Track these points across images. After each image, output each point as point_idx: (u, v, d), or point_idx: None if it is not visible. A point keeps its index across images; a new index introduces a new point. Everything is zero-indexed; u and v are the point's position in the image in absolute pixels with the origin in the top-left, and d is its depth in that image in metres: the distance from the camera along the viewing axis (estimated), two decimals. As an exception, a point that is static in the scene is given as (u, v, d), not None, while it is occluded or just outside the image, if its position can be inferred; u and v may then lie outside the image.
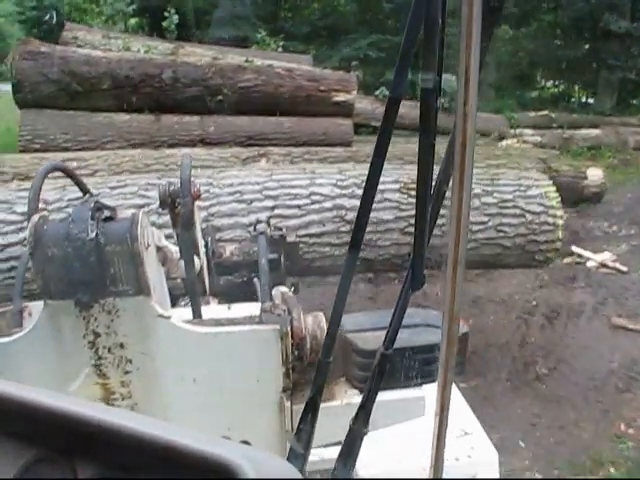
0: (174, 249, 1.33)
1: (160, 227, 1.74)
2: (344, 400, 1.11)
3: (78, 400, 0.48)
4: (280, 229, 2.22)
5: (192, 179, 1.50)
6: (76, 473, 0.46)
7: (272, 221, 2.52)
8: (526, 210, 3.67)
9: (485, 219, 3.64)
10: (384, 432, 1.11)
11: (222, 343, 1.03)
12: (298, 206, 3.46)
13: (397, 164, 4.25)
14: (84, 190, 1.63)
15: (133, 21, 18.32)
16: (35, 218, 0.98)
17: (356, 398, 1.07)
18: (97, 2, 18.03)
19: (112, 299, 0.98)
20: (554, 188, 3.81)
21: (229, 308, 1.65)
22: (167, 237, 1.39)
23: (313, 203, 3.52)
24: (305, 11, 18.06)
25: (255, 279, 1.94)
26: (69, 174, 1.62)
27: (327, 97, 6.56)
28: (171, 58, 6.21)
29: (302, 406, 0.97)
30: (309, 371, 1.02)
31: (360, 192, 2.81)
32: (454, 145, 0.60)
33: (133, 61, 5.89)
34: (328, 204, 3.53)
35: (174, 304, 1.64)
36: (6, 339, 1.02)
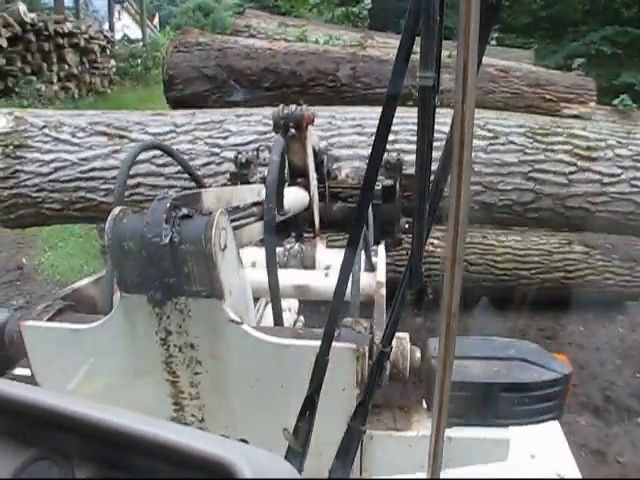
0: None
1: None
2: (420, 431, 1.03)
3: (76, 399, 0.49)
4: (398, 154, 2.09)
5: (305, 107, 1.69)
6: (74, 473, 0.46)
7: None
8: None
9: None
10: (458, 472, 1.05)
11: (293, 356, 0.98)
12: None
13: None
14: (190, 172, 1.67)
15: (339, 11, 17.70)
16: (116, 210, 0.97)
17: None
18: (303, -9, 17.66)
19: (185, 298, 0.97)
20: None
21: (327, 273, 1.61)
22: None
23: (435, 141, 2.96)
24: (526, -1, 15.90)
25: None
26: (167, 152, 1.60)
27: (555, 109, 4.80)
28: (352, 51, 4.89)
29: (375, 432, 1.00)
30: (387, 396, 0.97)
31: (483, 133, 3.12)
32: (452, 143, 0.58)
33: (304, 54, 4.67)
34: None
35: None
36: (84, 326, 1.05)
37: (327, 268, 1.86)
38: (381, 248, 1.75)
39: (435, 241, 3.78)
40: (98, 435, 0.44)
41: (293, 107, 1.77)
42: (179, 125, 3.38)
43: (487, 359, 1.01)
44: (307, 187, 1.90)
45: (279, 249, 1.89)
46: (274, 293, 1.20)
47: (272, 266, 1.19)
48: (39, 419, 0.46)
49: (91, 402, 0.49)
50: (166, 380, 1.04)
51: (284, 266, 1.84)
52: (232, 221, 1.24)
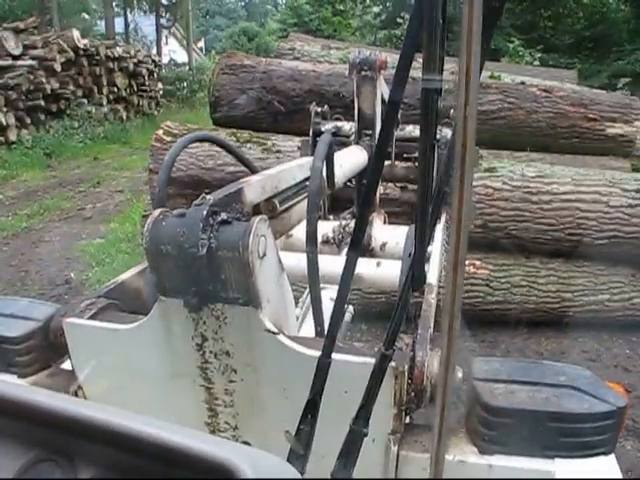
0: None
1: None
2: (457, 456, 0.95)
3: (78, 400, 0.52)
4: None
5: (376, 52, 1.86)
6: (76, 473, 0.46)
7: None
8: None
9: None
10: None
11: (330, 370, 0.91)
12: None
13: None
14: (241, 159, 1.62)
15: (382, 34, 17.90)
16: (156, 213, 0.96)
17: (472, 457, 0.95)
18: (346, 15, 17.93)
19: (221, 305, 0.96)
20: None
21: (379, 262, 1.56)
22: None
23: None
24: (569, 19, 15.75)
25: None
26: (214, 141, 1.58)
27: (598, 129, 4.76)
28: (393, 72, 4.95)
29: (411, 453, 0.97)
30: (427, 417, 0.88)
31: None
32: (454, 146, 0.57)
33: (347, 75, 4.75)
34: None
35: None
36: (123, 326, 1.05)
37: (383, 246, 1.82)
38: (437, 241, 1.62)
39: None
40: (100, 436, 0.44)
41: (368, 52, 1.88)
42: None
43: (535, 384, 0.95)
44: (371, 146, 1.91)
45: (335, 224, 1.86)
46: (316, 304, 1.18)
47: (314, 278, 1.16)
48: (41, 420, 0.46)
49: (92, 403, 0.49)
50: (201, 386, 1.03)
51: (339, 244, 1.82)
52: (281, 204, 1.25)
